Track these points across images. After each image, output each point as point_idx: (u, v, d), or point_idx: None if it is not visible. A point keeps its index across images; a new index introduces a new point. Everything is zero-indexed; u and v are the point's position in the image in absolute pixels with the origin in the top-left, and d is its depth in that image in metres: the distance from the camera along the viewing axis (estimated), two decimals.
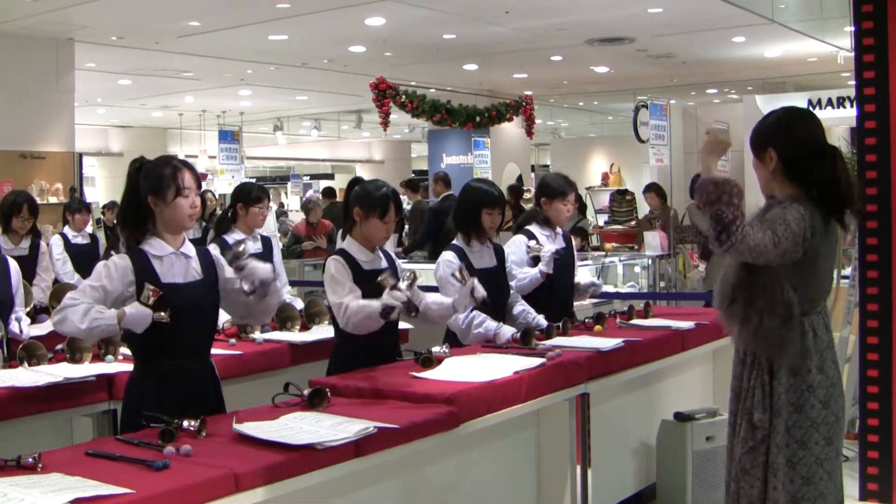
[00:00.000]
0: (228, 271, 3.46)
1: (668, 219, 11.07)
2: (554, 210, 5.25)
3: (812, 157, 3.18)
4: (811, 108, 12.62)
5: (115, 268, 3.26)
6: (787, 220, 3.06)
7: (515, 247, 5.18)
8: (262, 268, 3.44)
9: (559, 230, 5.33)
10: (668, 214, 11.19)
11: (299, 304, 5.51)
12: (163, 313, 3.17)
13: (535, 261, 5.12)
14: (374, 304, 3.71)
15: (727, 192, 3.02)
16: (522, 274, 5.06)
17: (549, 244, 5.15)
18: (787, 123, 3.25)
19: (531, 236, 5.20)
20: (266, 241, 5.81)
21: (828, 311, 3.31)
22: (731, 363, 5.45)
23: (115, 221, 8.03)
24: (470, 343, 4.60)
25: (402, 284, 3.70)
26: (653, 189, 11.52)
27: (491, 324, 4.63)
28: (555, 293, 5.17)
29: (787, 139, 3.21)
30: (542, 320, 4.85)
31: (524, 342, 4.38)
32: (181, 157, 3.80)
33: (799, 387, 3.12)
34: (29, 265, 6.35)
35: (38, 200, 11.06)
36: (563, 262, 5.19)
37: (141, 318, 3.13)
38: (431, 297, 4.12)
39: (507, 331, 4.60)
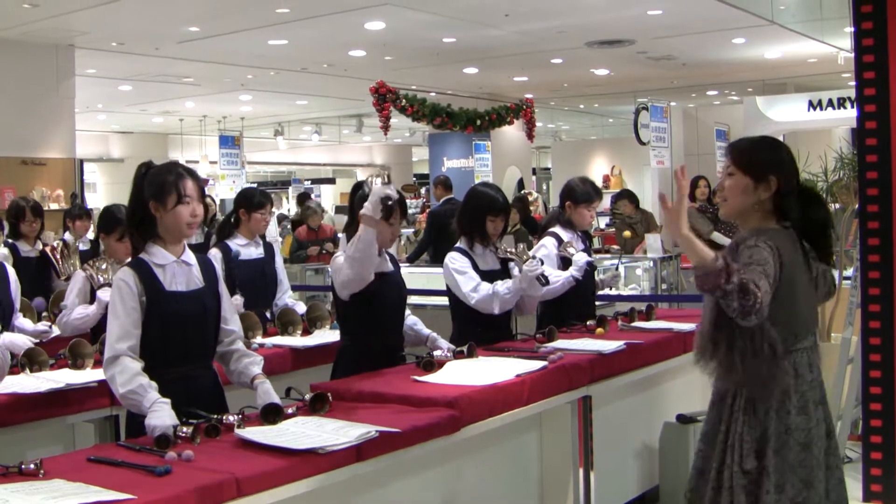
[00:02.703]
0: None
1: (650, 222, 11.07)
2: (578, 215, 5.30)
3: (798, 196, 3.15)
4: (812, 109, 12.64)
5: (125, 287, 3.25)
6: (767, 261, 2.92)
7: (545, 249, 5.20)
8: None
9: (579, 232, 5.36)
10: (647, 218, 11.19)
11: (301, 309, 5.51)
12: None
13: (563, 261, 5.14)
14: (359, 232, 3.82)
15: (715, 270, 2.83)
16: (554, 277, 5.06)
17: (580, 251, 5.16)
18: (786, 154, 3.18)
19: (558, 238, 5.22)
20: (268, 247, 5.81)
21: (816, 348, 3.17)
22: None
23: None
24: (504, 308, 4.63)
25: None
26: (625, 196, 11.51)
27: (510, 282, 4.67)
28: (579, 294, 5.20)
29: (788, 170, 3.14)
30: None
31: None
32: (182, 162, 3.80)
33: (778, 429, 3.01)
34: (42, 266, 6.56)
35: None
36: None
37: (149, 429, 3.04)
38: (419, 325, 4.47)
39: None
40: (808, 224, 3.15)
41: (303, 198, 14.40)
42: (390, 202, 3.84)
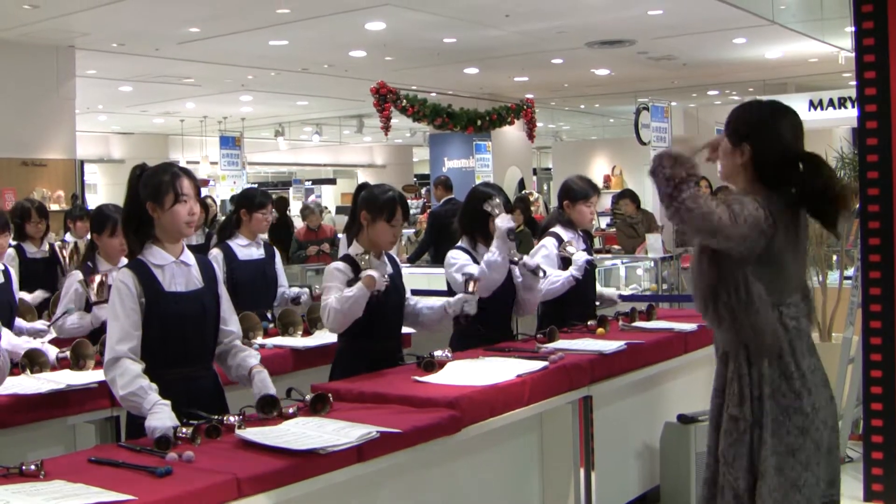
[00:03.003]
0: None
1: (651, 222, 11.08)
2: (577, 212, 5.28)
3: (786, 165, 3.03)
4: (812, 109, 12.63)
5: (125, 288, 3.24)
6: (745, 202, 2.92)
7: (545, 249, 5.18)
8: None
9: (579, 231, 5.35)
10: (648, 218, 11.19)
11: (304, 295, 5.56)
12: None
13: (563, 261, 5.14)
14: (353, 288, 3.88)
15: (683, 163, 2.92)
16: (555, 277, 5.05)
17: (580, 250, 5.15)
18: (772, 120, 3.06)
19: (558, 238, 5.22)
20: (268, 248, 5.82)
21: (804, 302, 3.14)
22: None
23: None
24: (493, 279, 4.55)
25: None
26: (627, 195, 11.50)
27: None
28: (579, 294, 5.19)
29: (768, 138, 3.03)
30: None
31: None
32: (183, 163, 3.81)
33: (772, 375, 3.02)
34: (51, 266, 6.67)
35: None
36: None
37: (149, 430, 3.05)
38: (423, 303, 4.30)
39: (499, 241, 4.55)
40: (808, 192, 3.04)
41: (282, 203, 13.58)
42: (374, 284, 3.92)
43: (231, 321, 3.53)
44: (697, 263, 3.11)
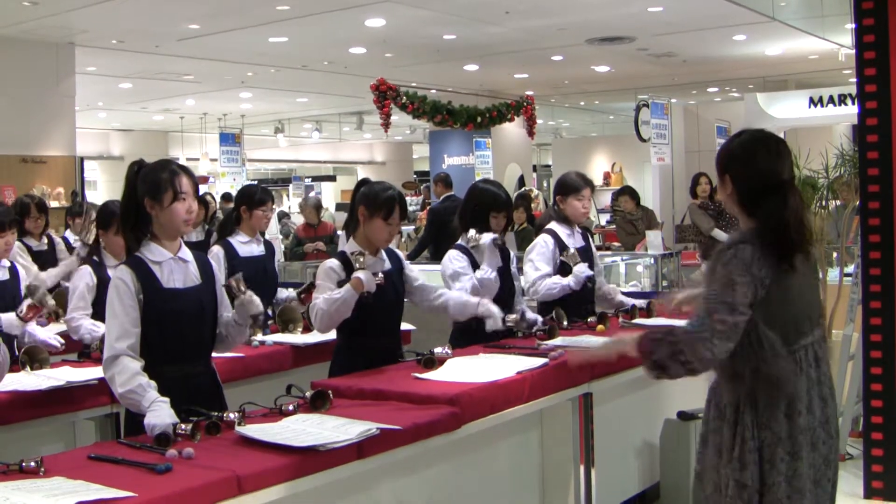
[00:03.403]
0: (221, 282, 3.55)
1: (651, 219, 11.08)
2: (570, 207, 5.25)
3: (763, 192, 2.98)
4: (813, 106, 12.62)
5: (123, 285, 3.25)
6: (735, 281, 2.87)
7: (542, 247, 5.17)
8: (256, 304, 3.50)
9: (577, 228, 5.34)
10: (648, 215, 11.19)
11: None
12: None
13: (562, 264, 5.13)
14: (342, 290, 3.89)
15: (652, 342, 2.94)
16: (552, 283, 5.05)
17: (582, 266, 5.10)
18: (748, 151, 3.05)
19: (555, 235, 5.20)
20: (268, 245, 5.82)
21: (821, 343, 3.08)
22: None
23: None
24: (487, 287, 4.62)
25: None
26: (626, 192, 11.50)
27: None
28: (577, 292, 5.17)
29: (744, 169, 3.02)
30: (538, 318, 4.88)
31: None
32: (183, 160, 3.82)
33: (793, 433, 2.94)
34: (49, 258, 6.89)
35: None
36: (584, 259, 5.21)
37: (148, 428, 3.03)
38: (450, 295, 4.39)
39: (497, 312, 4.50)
40: (768, 222, 2.97)
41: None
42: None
43: (229, 310, 3.58)
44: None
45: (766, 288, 2.88)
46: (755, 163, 3.01)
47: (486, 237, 4.64)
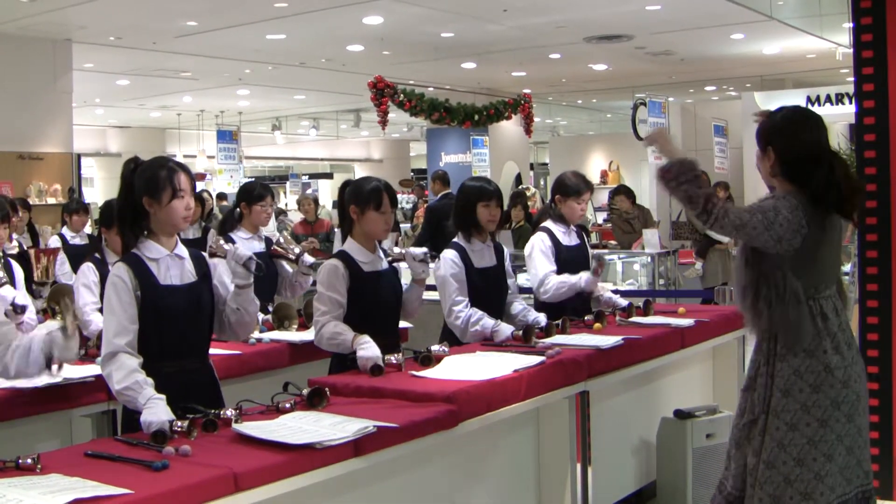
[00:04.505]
0: (218, 276, 3.51)
1: (647, 218, 11.09)
2: (568, 208, 5.26)
3: (809, 162, 3.24)
4: (810, 105, 12.65)
5: (120, 282, 3.25)
6: (779, 208, 3.16)
7: (541, 245, 5.18)
8: (242, 251, 3.49)
9: (573, 227, 5.35)
10: (644, 213, 11.20)
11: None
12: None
13: (557, 258, 5.15)
14: (346, 336, 3.98)
15: (688, 169, 3.23)
16: (561, 282, 5.08)
17: (592, 277, 5.15)
18: (791, 124, 3.32)
19: (550, 234, 5.21)
20: (269, 242, 5.81)
21: (839, 296, 3.36)
22: (730, 360, 5.48)
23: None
24: (468, 341, 4.60)
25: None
26: (622, 192, 11.50)
27: (488, 321, 4.63)
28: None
29: (788, 141, 3.28)
30: (542, 318, 4.85)
31: (525, 339, 4.39)
32: (180, 157, 3.82)
33: (816, 368, 3.17)
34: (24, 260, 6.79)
35: (37, 201, 11.13)
36: (579, 258, 5.22)
37: (144, 425, 3.04)
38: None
39: (506, 329, 4.60)
40: (816, 189, 3.25)
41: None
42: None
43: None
44: (741, 260, 3.34)
45: (803, 238, 3.16)
46: (798, 134, 3.29)
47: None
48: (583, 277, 5.10)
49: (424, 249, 4.39)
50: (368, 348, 3.89)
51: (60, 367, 3.21)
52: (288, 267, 5.41)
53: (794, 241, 3.16)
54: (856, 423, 3.24)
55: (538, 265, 5.13)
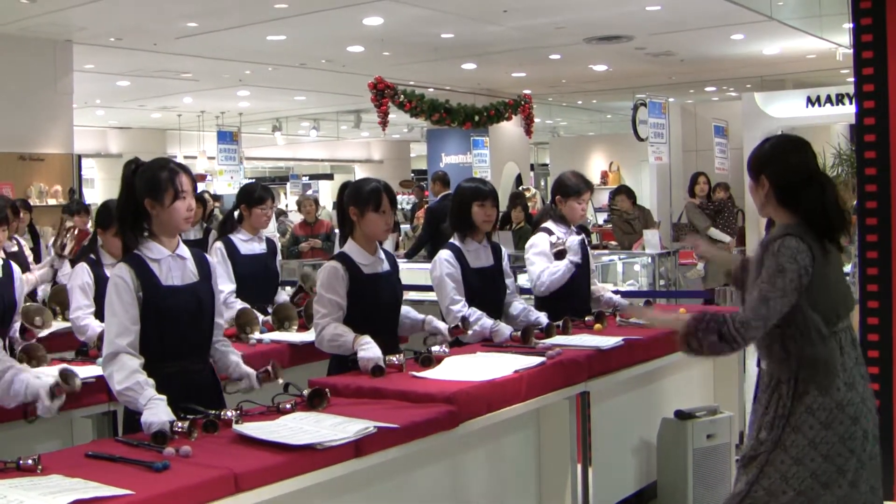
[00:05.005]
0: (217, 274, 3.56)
1: (647, 218, 11.09)
2: (568, 208, 5.27)
3: (801, 184, 3.24)
4: (810, 105, 12.65)
5: (122, 283, 3.25)
6: (783, 268, 3.10)
7: (539, 245, 5.19)
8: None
9: (573, 227, 5.35)
10: (645, 214, 11.20)
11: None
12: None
13: (558, 256, 5.14)
14: (347, 338, 3.97)
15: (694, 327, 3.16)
16: (553, 270, 5.07)
17: (574, 238, 5.16)
18: (780, 151, 3.33)
19: (550, 233, 5.22)
20: (270, 243, 5.82)
21: (852, 329, 3.32)
22: (731, 361, 5.47)
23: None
24: (467, 341, 4.60)
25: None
26: (623, 192, 11.50)
27: (487, 321, 4.63)
28: (574, 289, 5.20)
29: (780, 166, 3.28)
30: (542, 318, 4.85)
31: (524, 340, 4.39)
32: (180, 158, 3.82)
33: (828, 405, 3.13)
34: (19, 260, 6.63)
35: (37, 202, 11.13)
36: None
37: (145, 425, 3.04)
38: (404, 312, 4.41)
39: (505, 329, 4.60)
40: (808, 212, 3.23)
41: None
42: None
43: (219, 314, 3.58)
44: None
45: (809, 276, 3.11)
46: (788, 159, 3.29)
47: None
48: (569, 256, 5.07)
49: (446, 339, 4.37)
50: (370, 349, 3.89)
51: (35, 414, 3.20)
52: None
53: (804, 283, 3.12)
54: (859, 459, 3.17)
55: (535, 264, 5.13)
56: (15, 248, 6.83)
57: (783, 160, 3.29)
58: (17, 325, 4.94)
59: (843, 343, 3.21)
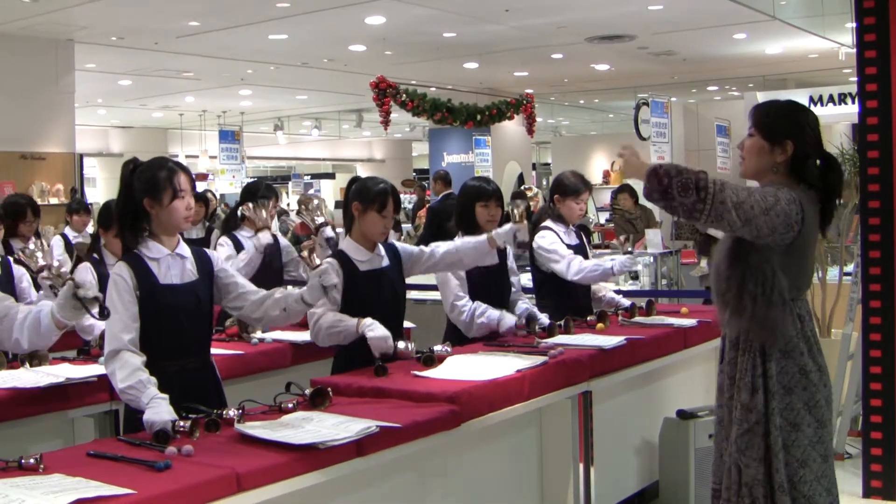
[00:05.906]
0: (221, 266, 3.54)
1: (650, 218, 11.08)
2: (566, 208, 5.27)
3: (817, 156, 3.22)
4: (813, 105, 12.66)
5: (121, 281, 3.26)
6: (779, 197, 3.05)
7: (552, 237, 5.20)
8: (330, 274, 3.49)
9: (572, 227, 5.35)
10: (647, 213, 11.19)
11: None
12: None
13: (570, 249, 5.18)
14: (349, 323, 3.91)
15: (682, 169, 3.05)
16: (594, 265, 5.08)
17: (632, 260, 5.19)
18: (806, 119, 3.24)
19: (553, 232, 5.22)
20: (274, 240, 5.81)
21: (807, 301, 3.34)
22: None
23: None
24: (474, 335, 4.60)
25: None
26: (625, 190, 11.48)
27: (493, 312, 4.64)
28: (573, 289, 5.21)
29: (806, 135, 3.20)
30: (544, 320, 4.85)
31: (528, 329, 4.46)
32: (182, 157, 3.82)
33: (790, 370, 3.12)
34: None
35: (39, 201, 11.12)
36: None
37: (147, 424, 3.03)
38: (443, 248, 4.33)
39: (510, 319, 4.61)
40: (824, 189, 3.23)
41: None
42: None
43: (251, 290, 3.55)
44: (725, 250, 3.22)
45: (794, 235, 3.07)
46: (813, 130, 3.23)
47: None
48: (617, 260, 5.09)
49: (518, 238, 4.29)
50: (376, 328, 3.88)
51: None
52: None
53: (785, 236, 3.07)
54: (827, 429, 3.18)
55: (556, 255, 5.13)
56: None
57: (811, 129, 3.22)
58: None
59: (801, 311, 3.19)
